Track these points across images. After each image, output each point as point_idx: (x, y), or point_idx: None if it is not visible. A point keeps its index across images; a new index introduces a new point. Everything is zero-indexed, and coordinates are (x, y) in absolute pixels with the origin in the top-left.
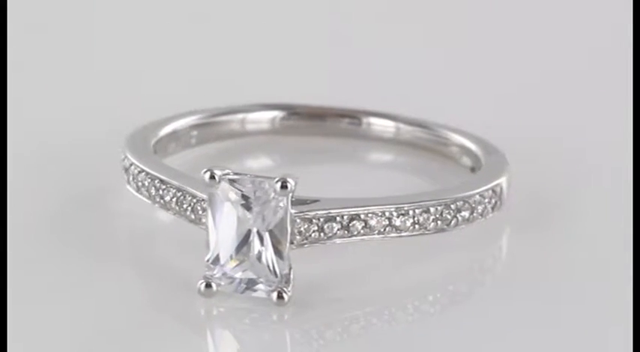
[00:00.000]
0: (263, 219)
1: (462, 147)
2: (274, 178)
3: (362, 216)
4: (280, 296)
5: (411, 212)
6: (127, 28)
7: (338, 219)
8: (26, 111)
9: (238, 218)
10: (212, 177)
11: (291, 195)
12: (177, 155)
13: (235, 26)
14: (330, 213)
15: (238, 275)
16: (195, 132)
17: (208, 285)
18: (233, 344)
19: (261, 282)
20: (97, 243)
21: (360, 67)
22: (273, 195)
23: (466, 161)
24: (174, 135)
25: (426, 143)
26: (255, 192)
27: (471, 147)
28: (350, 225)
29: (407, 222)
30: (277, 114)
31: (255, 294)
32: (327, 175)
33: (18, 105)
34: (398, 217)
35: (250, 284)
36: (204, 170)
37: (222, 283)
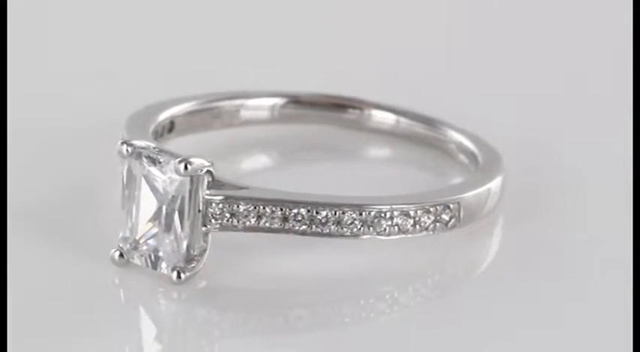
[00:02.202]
0: (172, 198)
1: (459, 145)
2: (178, 158)
3: (283, 209)
4: (178, 276)
5: (338, 213)
6: (127, 15)
7: (257, 208)
8: (22, 104)
9: (151, 193)
10: (127, 149)
11: (206, 178)
12: (172, 141)
13: (240, 16)
14: (249, 201)
15: (147, 249)
16: (192, 119)
17: (122, 255)
18: (131, 317)
19: (166, 259)
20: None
21: (363, 60)
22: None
23: (463, 158)
24: (171, 121)
25: (424, 138)
26: (168, 170)
27: (469, 146)
28: (263, 217)
29: (329, 221)
30: (277, 101)
31: (161, 270)
32: (322, 170)
33: (15, 96)
34: (317, 215)
35: (157, 259)
36: (121, 141)
37: (135, 255)
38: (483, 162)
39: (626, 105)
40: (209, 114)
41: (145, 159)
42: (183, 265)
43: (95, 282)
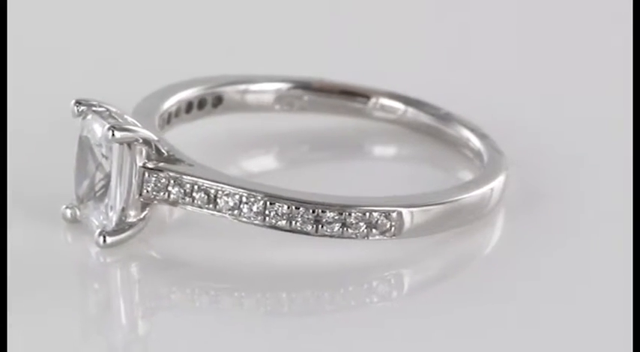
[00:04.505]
0: (110, 163)
1: (465, 140)
2: (106, 125)
3: (212, 191)
4: (104, 240)
5: (265, 203)
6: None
7: (192, 186)
8: (22, 91)
9: (92, 156)
10: (78, 109)
11: (143, 148)
12: (172, 131)
13: (244, 7)
14: (181, 177)
15: (88, 211)
16: (195, 103)
17: (72, 214)
18: (72, 279)
19: (99, 222)
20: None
21: (363, 56)
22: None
23: (468, 153)
24: (176, 107)
25: (431, 129)
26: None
27: (474, 141)
28: (196, 195)
29: (258, 211)
30: (284, 86)
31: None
32: (324, 165)
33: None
34: (247, 203)
35: (93, 222)
36: (74, 100)
37: (82, 216)
38: (486, 163)
39: (627, 103)
40: (212, 100)
41: (95, 122)
42: (109, 229)
43: (47, 242)
